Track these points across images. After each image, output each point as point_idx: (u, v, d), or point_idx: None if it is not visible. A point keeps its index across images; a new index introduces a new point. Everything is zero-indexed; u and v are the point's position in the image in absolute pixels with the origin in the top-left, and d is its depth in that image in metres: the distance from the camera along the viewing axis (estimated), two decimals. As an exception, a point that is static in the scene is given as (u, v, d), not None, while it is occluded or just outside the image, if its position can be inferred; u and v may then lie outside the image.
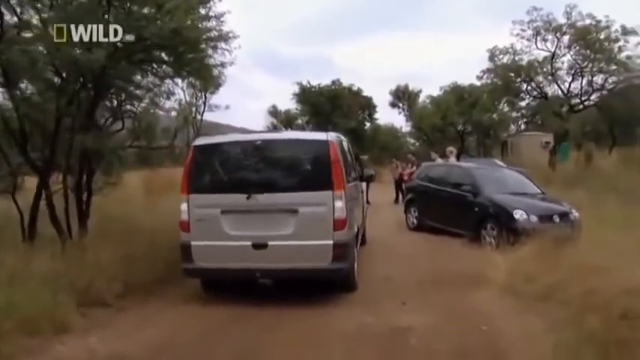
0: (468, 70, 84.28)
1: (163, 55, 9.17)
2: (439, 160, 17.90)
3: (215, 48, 9.28)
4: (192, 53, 8.89)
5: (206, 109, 34.51)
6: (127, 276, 7.63)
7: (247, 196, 7.05)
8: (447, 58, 79.94)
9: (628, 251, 7.54)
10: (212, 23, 9.22)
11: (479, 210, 11.53)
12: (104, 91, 9.50)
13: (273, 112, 47.28)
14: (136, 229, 9.53)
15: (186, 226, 7.28)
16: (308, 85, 41.44)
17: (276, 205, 7.04)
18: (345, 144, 9.29)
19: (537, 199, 11.82)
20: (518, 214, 10.74)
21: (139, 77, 9.84)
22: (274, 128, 46.60)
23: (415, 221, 13.81)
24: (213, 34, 9.16)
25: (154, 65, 9.63)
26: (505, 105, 34.78)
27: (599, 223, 10.70)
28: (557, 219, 10.79)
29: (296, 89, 42.71)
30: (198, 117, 34.25)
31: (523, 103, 29.72)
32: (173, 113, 25.80)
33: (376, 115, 48.98)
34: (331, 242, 6.90)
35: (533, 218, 10.65)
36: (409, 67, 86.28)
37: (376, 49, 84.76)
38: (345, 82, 44.63)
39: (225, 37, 9.31)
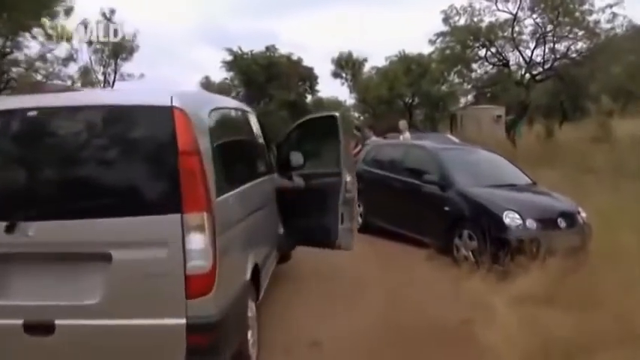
0: (416, 43, 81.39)
1: None
2: (373, 139, 13.57)
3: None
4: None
5: (117, 77, 29.81)
6: None
7: (8, 224, 3.34)
8: (393, 34, 76.44)
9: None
10: None
11: (450, 210, 8.11)
12: None
13: (206, 83, 42.88)
14: None
15: None
16: (239, 52, 36.83)
17: (68, 246, 3.37)
18: (241, 115, 5.57)
19: (531, 193, 8.48)
20: (510, 218, 7.38)
21: None
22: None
23: (360, 220, 10.29)
24: None
25: None
26: (455, 76, 32.01)
27: (607, 222, 7.61)
28: (562, 223, 7.52)
29: (227, 57, 38.08)
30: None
31: (481, 71, 26.49)
32: (69, 82, 21.70)
33: (318, 88, 45.26)
34: (183, 321, 3.29)
35: (532, 223, 7.34)
36: (357, 42, 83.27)
37: (324, 24, 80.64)
38: (284, 51, 40.44)
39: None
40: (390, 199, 9.51)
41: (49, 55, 22.38)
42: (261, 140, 6.20)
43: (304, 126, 7.16)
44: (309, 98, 45.08)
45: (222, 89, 40.74)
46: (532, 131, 29.40)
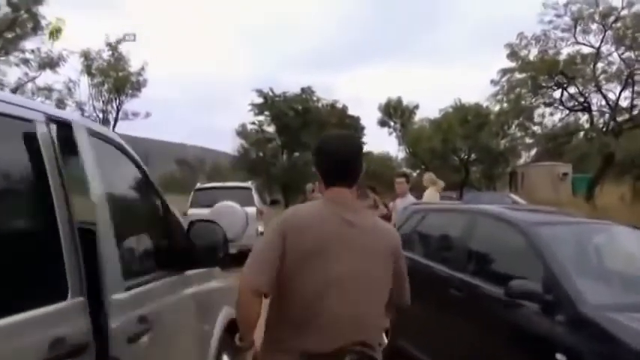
0: (471, 97, 77.84)
1: None
2: (409, 199, 8.18)
3: None
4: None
5: (120, 116, 26.19)
6: None
7: None
8: (449, 88, 73.62)
9: None
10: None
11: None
12: None
13: (242, 132, 39.43)
14: None
15: None
16: (271, 94, 33.05)
17: None
18: None
19: None
20: None
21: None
22: (244, 151, 39.15)
23: (384, 339, 5.99)
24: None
25: None
26: (517, 129, 27.91)
27: None
28: None
29: (256, 98, 34.17)
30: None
31: (553, 119, 21.89)
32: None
33: (365, 140, 41.37)
34: None
35: None
36: (410, 95, 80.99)
37: (378, 79, 78.83)
38: (328, 98, 36.65)
39: None
40: (438, 314, 5.16)
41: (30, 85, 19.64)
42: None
43: None
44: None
45: (260, 140, 37.36)
46: (603, 192, 24.20)
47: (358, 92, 79.27)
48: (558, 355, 3.74)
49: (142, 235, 2.97)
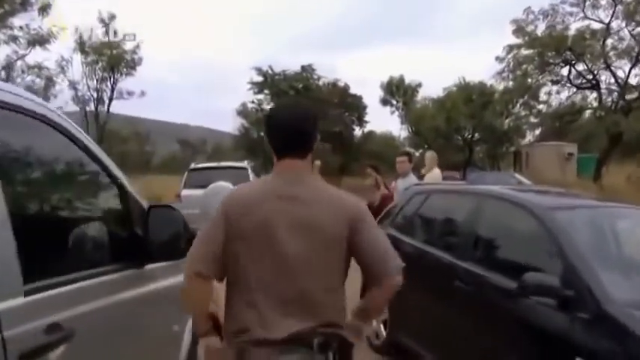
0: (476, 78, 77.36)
1: None
2: (411, 179, 7.61)
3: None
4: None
5: (115, 95, 25.63)
6: None
7: None
8: (452, 70, 73.75)
9: None
10: None
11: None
12: None
13: (243, 111, 38.79)
14: None
15: None
16: (270, 72, 32.37)
17: None
18: None
19: None
20: None
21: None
22: (245, 131, 38.65)
23: (383, 332, 5.55)
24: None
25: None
26: (521, 108, 27.38)
27: None
28: None
29: (254, 76, 33.52)
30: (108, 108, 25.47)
31: (560, 97, 21.27)
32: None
33: (367, 119, 40.73)
34: None
35: None
36: (414, 76, 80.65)
37: (380, 60, 79.15)
38: (328, 76, 35.87)
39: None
40: (442, 307, 4.68)
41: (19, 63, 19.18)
42: None
43: None
44: (357, 131, 40.70)
45: (260, 119, 36.84)
46: (609, 172, 23.64)
47: (360, 73, 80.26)
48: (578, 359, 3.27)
49: (75, 226, 2.47)
